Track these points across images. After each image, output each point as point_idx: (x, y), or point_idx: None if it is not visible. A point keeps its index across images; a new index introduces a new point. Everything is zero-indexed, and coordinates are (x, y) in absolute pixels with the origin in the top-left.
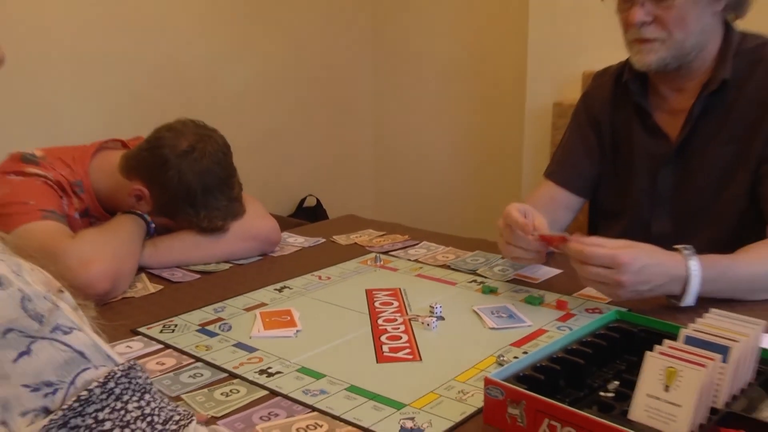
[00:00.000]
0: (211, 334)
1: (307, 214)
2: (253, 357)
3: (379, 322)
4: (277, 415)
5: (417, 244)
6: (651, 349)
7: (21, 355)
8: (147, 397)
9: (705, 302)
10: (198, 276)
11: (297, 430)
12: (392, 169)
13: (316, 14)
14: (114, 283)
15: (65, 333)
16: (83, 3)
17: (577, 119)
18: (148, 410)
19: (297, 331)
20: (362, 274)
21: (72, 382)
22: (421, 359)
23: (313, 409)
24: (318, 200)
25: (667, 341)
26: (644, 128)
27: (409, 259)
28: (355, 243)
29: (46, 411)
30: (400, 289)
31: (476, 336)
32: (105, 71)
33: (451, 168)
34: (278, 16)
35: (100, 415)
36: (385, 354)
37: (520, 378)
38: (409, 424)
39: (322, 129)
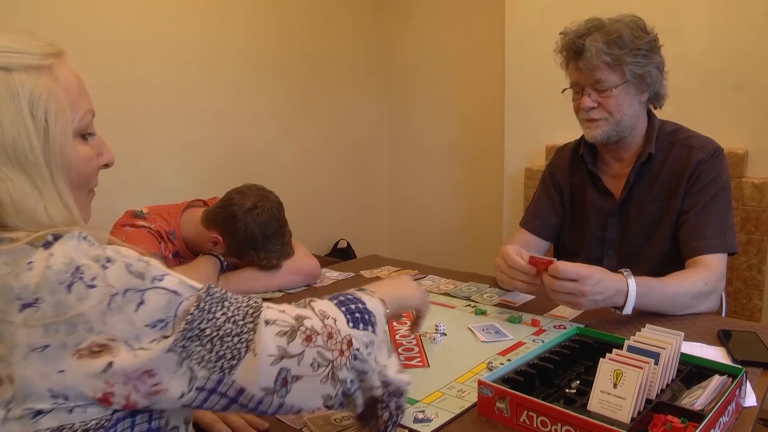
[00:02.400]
0: None
1: (339, 254)
2: None
3: (397, 337)
4: (319, 408)
5: (424, 276)
6: (603, 356)
7: (138, 305)
8: (226, 304)
9: (642, 318)
10: None
11: (334, 420)
12: (404, 219)
13: (345, 104)
14: None
15: (160, 280)
16: (181, 102)
17: (544, 183)
18: (229, 313)
19: None
20: None
21: (175, 314)
22: (429, 365)
23: None
24: (348, 243)
25: (615, 350)
26: (595, 189)
27: None
28: (377, 276)
29: (165, 336)
30: (412, 311)
31: (471, 347)
32: (193, 150)
33: (449, 218)
34: (317, 107)
35: (202, 326)
36: (401, 362)
37: (505, 379)
38: (420, 416)
39: (350, 189)
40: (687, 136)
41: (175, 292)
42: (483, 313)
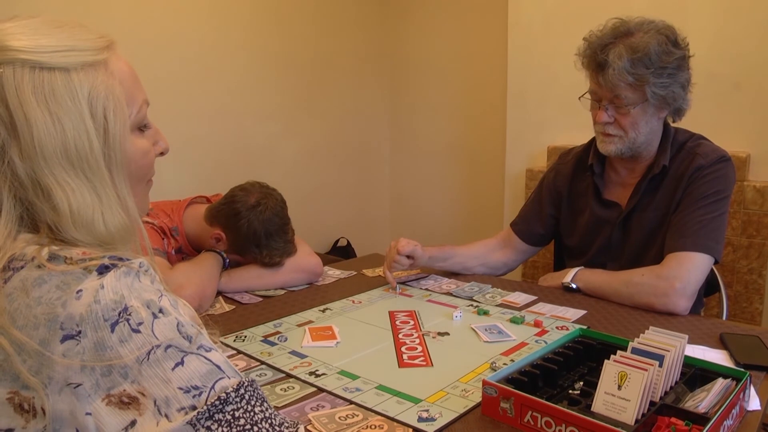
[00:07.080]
0: (272, 344)
1: (339, 252)
2: (304, 362)
3: (400, 336)
4: (323, 406)
5: (426, 276)
6: (608, 358)
7: (177, 365)
8: (265, 404)
9: (644, 321)
10: (261, 299)
11: (339, 418)
12: (405, 218)
13: (347, 103)
14: (200, 303)
15: (207, 351)
16: (184, 99)
17: (540, 189)
18: (267, 414)
19: (337, 342)
20: (386, 299)
21: (212, 387)
22: (432, 365)
23: (351, 402)
24: (348, 241)
25: (619, 351)
26: (600, 199)
27: (421, 288)
28: (380, 275)
29: (194, 408)
30: (415, 311)
31: (474, 347)
32: (196, 147)
33: (450, 218)
34: (320, 105)
35: (236, 414)
36: (405, 361)
37: (509, 380)
38: (424, 415)
39: (350, 188)
40: (696, 144)
41: (218, 366)
42: (486, 313)
